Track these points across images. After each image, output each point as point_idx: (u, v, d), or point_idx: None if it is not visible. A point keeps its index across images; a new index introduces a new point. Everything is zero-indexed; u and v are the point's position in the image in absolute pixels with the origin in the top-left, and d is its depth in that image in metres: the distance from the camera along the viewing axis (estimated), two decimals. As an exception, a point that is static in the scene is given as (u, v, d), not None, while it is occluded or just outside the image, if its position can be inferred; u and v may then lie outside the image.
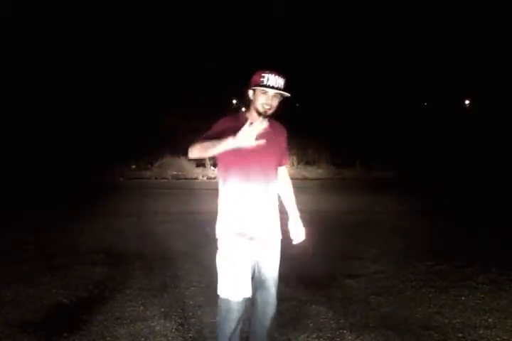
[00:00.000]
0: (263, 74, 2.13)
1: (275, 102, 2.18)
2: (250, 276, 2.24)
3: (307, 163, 14.65)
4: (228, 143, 1.90)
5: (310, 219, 6.78)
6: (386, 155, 13.95)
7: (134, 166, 14.91)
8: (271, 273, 2.32)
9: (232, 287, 2.18)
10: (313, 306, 3.34)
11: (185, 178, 13.66)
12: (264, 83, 2.12)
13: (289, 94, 2.18)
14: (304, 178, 13.14)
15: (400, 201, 8.56)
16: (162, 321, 3.06)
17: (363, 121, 21.07)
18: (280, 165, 2.39)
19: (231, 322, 2.21)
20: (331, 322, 3.07)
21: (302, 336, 2.86)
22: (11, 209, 7.55)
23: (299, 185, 11.87)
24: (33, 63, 19.81)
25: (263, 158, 2.20)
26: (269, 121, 2.09)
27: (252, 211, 2.23)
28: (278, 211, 2.38)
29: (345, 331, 2.92)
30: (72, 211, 7.38)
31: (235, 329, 2.22)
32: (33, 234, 5.68)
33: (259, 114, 2.17)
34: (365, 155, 14.01)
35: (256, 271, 2.30)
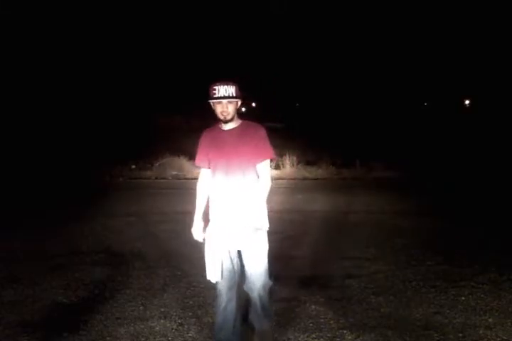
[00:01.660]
0: (214, 87, 2.48)
1: (231, 108, 2.51)
2: (222, 263, 2.51)
3: (307, 163, 14.63)
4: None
5: (310, 219, 6.81)
6: (386, 155, 13.93)
7: (133, 166, 14.89)
8: (254, 262, 2.55)
9: (209, 270, 2.52)
10: (313, 306, 3.33)
11: (185, 178, 13.65)
12: (216, 95, 2.47)
13: (238, 100, 2.52)
14: (304, 178, 13.13)
15: (400, 201, 8.55)
16: (162, 321, 3.06)
17: (363, 121, 21.06)
18: (258, 160, 2.56)
19: (220, 305, 2.55)
20: (331, 322, 3.07)
21: (302, 336, 2.86)
22: (11, 210, 7.55)
23: (299, 185, 11.91)
24: (33, 63, 19.81)
25: (233, 155, 2.51)
26: (242, 124, 2.58)
27: (228, 203, 2.53)
28: (261, 204, 2.57)
29: (345, 331, 2.92)
30: (72, 211, 7.37)
31: (225, 307, 2.55)
32: (33, 234, 5.68)
33: (222, 121, 2.53)
34: (365, 155, 14.00)
35: (241, 260, 2.58)
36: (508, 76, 21.27)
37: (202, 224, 2.64)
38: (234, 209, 2.52)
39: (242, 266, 2.59)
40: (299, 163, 14.19)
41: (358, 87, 23.71)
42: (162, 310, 3.25)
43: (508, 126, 17.41)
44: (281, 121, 24.12)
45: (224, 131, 2.57)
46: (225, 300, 2.56)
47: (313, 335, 2.87)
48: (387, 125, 20.45)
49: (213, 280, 2.53)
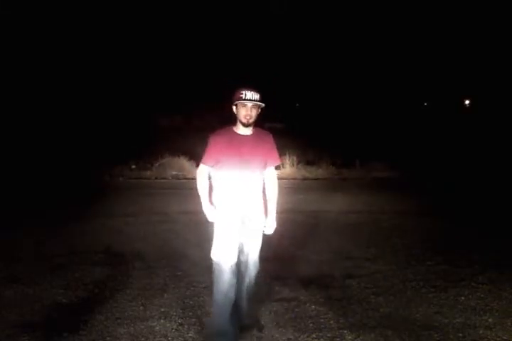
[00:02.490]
0: (242, 92, 2.66)
1: (254, 113, 2.68)
2: (237, 246, 2.70)
3: (307, 163, 14.63)
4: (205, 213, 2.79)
5: (310, 219, 6.81)
6: (386, 155, 13.93)
7: (133, 166, 14.89)
8: (252, 256, 2.79)
9: (222, 253, 2.67)
10: (313, 306, 3.34)
11: (185, 178, 13.64)
12: (243, 98, 2.64)
13: (263, 104, 2.70)
14: (304, 178, 13.13)
15: (400, 201, 8.56)
16: (162, 321, 3.06)
17: (363, 121, 21.07)
18: (268, 165, 2.83)
19: (224, 282, 2.67)
20: (331, 322, 3.07)
21: (302, 336, 2.87)
22: (11, 210, 7.55)
23: (299, 185, 11.90)
24: (33, 63, 19.80)
25: (248, 156, 2.69)
26: (255, 130, 2.76)
27: (237, 198, 2.71)
28: (262, 204, 2.82)
29: (345, 331, 2.92)
30: (72, 211, 7.37)
31: (228, 289, 2.67)
32: (33, 234, 5.68)
33: (243, 124, 2.68)
34: (365, 155, 14.00)
35: (240, 252, 2.75)
36: (508, 76, 21.28)
37: (213, 207, 2.79)
38: (244, 207, 2.73)
39: (240, 255, 2.78)
40: (299, 163, 14.19)
41: (357, 87, 23.71)
42: (162, 310, 3.25)
43: (508, 126, 17.41)
44: (281, 121, 24.15)
45: (241, 135, 2.73)
46: (228, 282, 2.68)
47: (313, 335, 2.87)
48: (387, 125, 20.45)
49: (223, 261, 2.66)
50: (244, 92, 2.65)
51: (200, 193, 2.80)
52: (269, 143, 2.83)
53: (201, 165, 2.81)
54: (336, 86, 23.93)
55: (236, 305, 2.85)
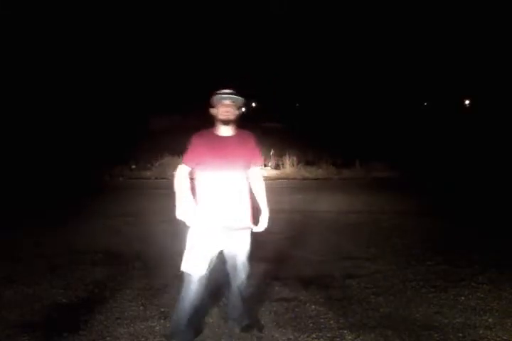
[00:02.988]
0: (218, 91, 2.71)
1: (232, 110, 2.69)
2: (210, 258, 2.64)
3: (307, 163, 14.64)
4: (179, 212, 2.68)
5: (310, 219, 6.80)
6: (386, 155, 13.94)
7: (133, 166, 14.90)
8: (241, 258, 2.77)
9: (193, 264, 2.61)
10: (313, 306, 3.33)
11: (185, 178, 13.61)
12: (219, 93, 2.70)
13: (241, 102, 2.72)
14: (304, 178, 13.13)
15: (400, 201, 8.55)
16: (162, 321, 3.06)
17: (363, 120, 21.06)
18: (252, 165, 2.82)
19: (191, 292, 2.65)
20: (331, 322, 3.07)
21: (302, 336, 2.86)
22: (11, 210, 7.55)
23: (299, 185, 11.90)
24: (33, 63, 19.79)
25: (231, 158, 2.67)
26: (237, 131, 2.75)
27: (221, 200, 2.68)
28: (248, 204, 2.78)
29: (345, 331, 2.92)
30: (72, 211, 7.37)
31: (195, 298, 2.66)
32: (33, 234, 5.68)
33: (222, 121, 2.68)
34: (365, 155, 14.00)
35: (228, 255, 2.77)
36: (508, 76, 21.27)
37: (194, 207, 2.70)
38: (229, 208, 2.69)
39: (227, 258, 2.79)
40: (299, 163, 14.20)
41: (357, 87, 23.70)
42: (162, 310, 3.25)
43: (508, 126, 17.40)
44: (279, 121, 24.11)
45: (222, 137, 2.72)
46: (195, 293, 2.66)
47: (313, 335, 2.87)
48: (387, 125, 20.45)
49: (193, 273, 2.62)
50: (220, 91, 2.71)
51: (178, 194, 2.72)
52: (250, 143, 2.80)
53: (180, 166, 2.77)
54: (336, 86, 23.92)
55: (233, 307, 2.91)
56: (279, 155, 14.65)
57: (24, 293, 3.56)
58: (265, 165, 13.89)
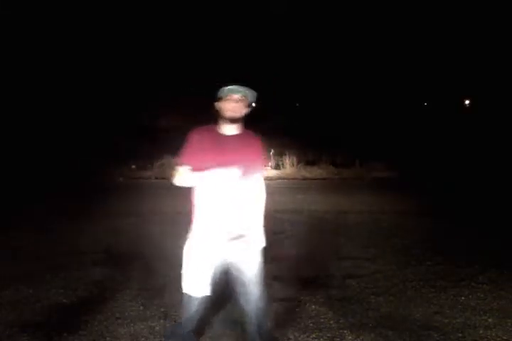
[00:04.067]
0: (226, 86, 2.37)
1: (241, 106, 2.37)
2: (212, 275, 2.35)
3: (307, 163, 14.65)
4: (205, 178, 2.31)
5: (310, 219, 6.80)
6: (386, 155, 13.94)
7: (134, 166, 14.92)
8: (250, 273, 2.43)
9: (193, 284, 2.34)
10: (313, 306, 3.33)
11: (185, 178, 13.61)
12: (227, 88, 2.36)
13: (253, 91, 2.38)
14: (304, 178, 13.14)
15: (400, 201, 8.56)
16: (162, 321, 3.06)
17: (363, 121, 21.06)
18: (258, 170, 2.48)
19: (190, 313, 2.45)
20: (331, 322, 3.07)
21: (302, 336, 2.86)
22: (11, 210, 7.55)
23: (299, 185, 11.90)
24: (33, 63, 19.80)
25: (232, 160, 2.32)
26: (242, 132, 2.42)
27: (225, 212, 2.36)
28: (260, 216, 2.48)
29: (345, 331, 2.92)
30: (73, 211, 7.37)
31: (193, 320, 2.48)
32: (33, 234, 5.68)
33: (228, 119, 2.36)
34: (365, 155, 14.01)
35: (235, 271, 2.43)
36: (508, 76, 21.28)
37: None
38: (230, 218, 2.37)
39: (234, 278, 2.46)
40: (299, 163, 14.21)
41: (357, 87, 23.70)
42: (162, 310, 3.25)
43: (508, 126, 17.39)
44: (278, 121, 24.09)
45: (226, 135, 2.40)
46: (195, 313, 2.45)
47: (313, 335, 2.87)
48: (387, 125, 20.44)
49: (197, 295, 2.36)
50: (229, 85, 2.37)
51: (189, 176, 2.36)
52: (255, 145, 2.47)
53: (180, 168, 2.38)
54: (336, 86, 23.92)
55: (248, 331, 2.55)
56: (279, 154, 14.66)
57: (24, 293, 3.56)
58: (265, 165, 13.91)
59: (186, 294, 2.39)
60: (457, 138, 17.44)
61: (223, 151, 2.34)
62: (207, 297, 2.38)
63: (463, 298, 3.48)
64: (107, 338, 2.83)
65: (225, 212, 2.36)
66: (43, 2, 20.87)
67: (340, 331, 2.93)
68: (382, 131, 19.14)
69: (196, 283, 2.33)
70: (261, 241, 2.46)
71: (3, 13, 18.41)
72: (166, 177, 13.23)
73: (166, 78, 22.98)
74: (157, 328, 2.96)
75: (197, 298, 2.38)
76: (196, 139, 2.39)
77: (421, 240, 5.37)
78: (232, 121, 2.38)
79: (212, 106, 2.43)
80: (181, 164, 2.39)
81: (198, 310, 2.45)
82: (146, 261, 4.46)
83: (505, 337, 2.83)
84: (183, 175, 2.37)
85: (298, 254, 4.70)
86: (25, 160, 13.35)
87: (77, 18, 21.83)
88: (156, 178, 13.15)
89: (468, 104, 26.70)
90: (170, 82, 22.90)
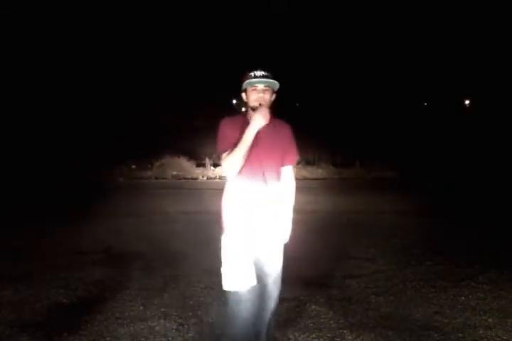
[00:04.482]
0: (250, 73, 2.31)
1: (267, 95, 2.31)
2: (253, 265, 2.27)
3: (307, 163, 14.66)
4: (250, 131, 2.19)
5: (310, 219, 6.81)
6: (386, 155, 13.95)
7: (133, 166, 14.93)
8: (271, 269, 2.39)
9: (238, 278, 2.22)
10: (313, 306, 3.33)
11: (185, 178, 13.64)
12: (253, 76, 2.28)
13: (275, 81, 2.30)
14: (304, 178, 13.15)
15: (400, 201, 8.56)
16: (162, 321, 3.06)
17: (363, 121, 21.07)
18: (284, 164, 2.44)
19: (243, 312, 2.25)
20: (331, 322, 3.07)
21: (302, 336, 2.86)
22: (11, 210, 7.55)
23: (299, 185, 11.87)
24: (33, 63, 19.80)
25: (263, 157, 2.29)
26: (271, 120, 2.27)
27: (252, 208, 2.31)
28: (287, 212, 2.49)
29: (345, 331, 2.92)
30: (72, 211, 7.38)
31: (246, 319, 2.27)
32: (33, 234, 5.68)
33: (256, 110, 2.27)
34: (365, 155, 14.02)
35: (257, 267, 2.32)
36: (508, 76, 21.28)
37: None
38: (260, 214, 2.32)
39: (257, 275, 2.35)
40: (299, 163, 14.21)
41: (357, 87, 23.72)
42: (162, 310, 3.25)
43: (508, 126, 17.40)
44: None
45: None
46: (247, 311, 2.27)
47: (313, 335, 2.87)
48: (387, 125, 20.45)
49: (245, 288, 2.23)
50: (252, 72, 2.30)
51: (231, 159, 2.24)
52: (286, 136, 2.42)
53: (223, 154, 2.27)
54: (336, 86, 23.93)
55: (255, 334, 2.43)
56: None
57: (24, 293, 3.56)
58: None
59: (231, 292, 2.25)
60: (457, 138, 17.45)
61: (255, 140, 2.24)
62: (256, 290, 2.27)
63: (463, 298, 3.48)
64: (107, 338, 2.83)
65: (256, 208, 2.31)
66: (43, 2, 20.88)
67: (340, 331, 2.92)
68: (382, 131, 19.16)
69: (242, 275, 2.23)
70: (285, 238, 2.48)
71: (3, 13, 18.41)
72: (166, 177, 13.25)
73: (165, 78, 22.98)
74: (157, 328, 2.96)
75: (245, 294, 2.24)
76: (228, 127, 2.32)
77: (421, 240, 5.37)
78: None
79: (240, 97, 2.41)
80: (221, 152, 2.29)
81: (250, 307, 2.27)
82: (145, 261, 4.46)
83: (505, 337, 2.83)
84: (229, 156, 2.24)
85: (298, 254, 4.70)
86: (26, 160, 13.36)
87: (77, 18, 21.82)
88: (156, 178, 13.15)
89: (468, 104, 26.70)
90: (170, 82, 22.90)
